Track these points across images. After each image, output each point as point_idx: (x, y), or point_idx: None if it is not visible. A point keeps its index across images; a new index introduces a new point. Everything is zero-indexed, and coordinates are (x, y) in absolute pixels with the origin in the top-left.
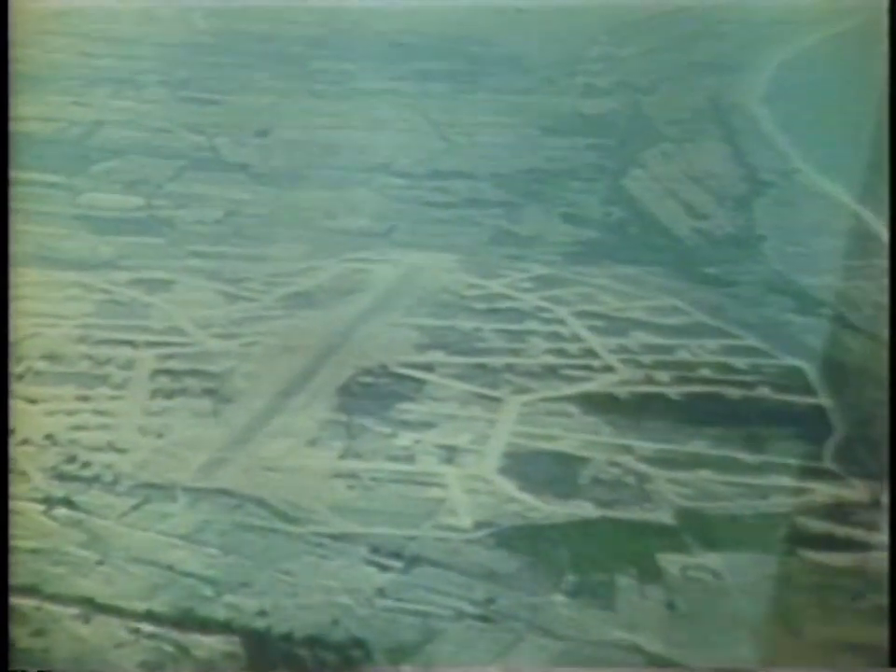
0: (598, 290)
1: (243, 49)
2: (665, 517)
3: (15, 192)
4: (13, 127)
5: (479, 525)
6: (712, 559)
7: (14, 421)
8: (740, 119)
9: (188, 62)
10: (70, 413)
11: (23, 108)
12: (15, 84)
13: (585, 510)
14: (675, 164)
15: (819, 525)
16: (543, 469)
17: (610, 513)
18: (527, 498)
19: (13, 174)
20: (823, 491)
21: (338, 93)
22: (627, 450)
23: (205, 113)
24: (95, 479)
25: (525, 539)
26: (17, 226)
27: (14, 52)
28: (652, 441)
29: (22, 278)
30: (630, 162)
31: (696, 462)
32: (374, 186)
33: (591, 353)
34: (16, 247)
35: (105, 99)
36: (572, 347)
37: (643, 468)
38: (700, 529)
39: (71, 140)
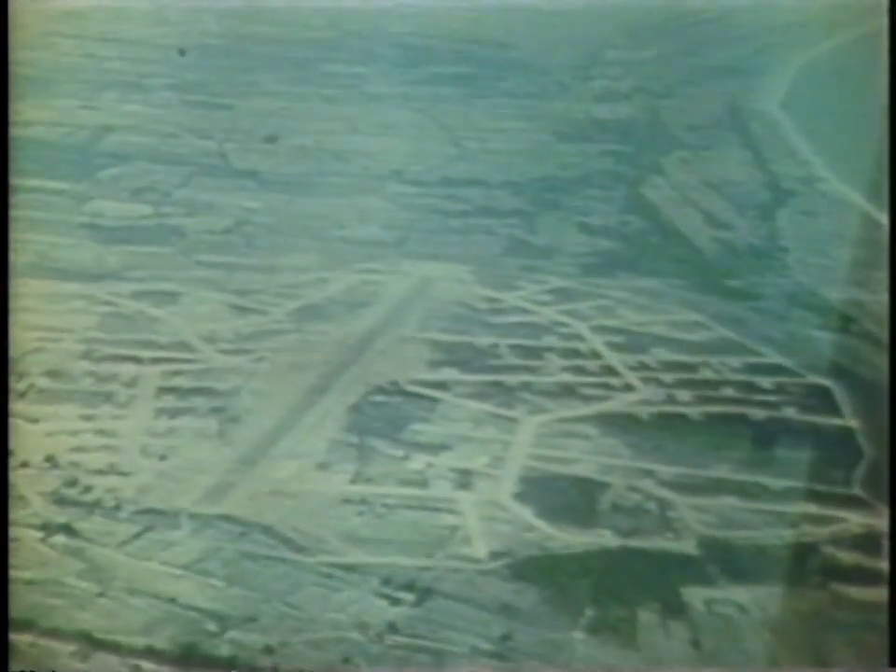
0: (617, 304)
1: (252, 51)
2: (689, 547)
3: (20, 200)
4: (20, 132)
5: (494, 556)
6: (738, 593)
7: (14, 442)
8: (760, 125)
9: (197, 64)
10: (72, 434)
11: (30, 113)
12: (22, 88)
13: (605, 538)
14: (694, 172)
15: (849, 557)
16: (561, 495)
17: (631, 543)
18: (544, 526)
19: (18, 181)
20: (853, 520)
21: (348, 98)
22: (648, 474)
23: (214, 118)
24: (96, 504)
25: (542, 571)
26: (21, 235)
27: (21, 55)
28: (674, 464)
29: (25, 289)
30: (648, 170)
31: (720, 487)
32: (385, 194)
33: (610, 370)
34: (19, 258)
35: (112, 103)
36: (591, 364)
37: (664, 493)
38: (725, 560)
39: (77, 145)
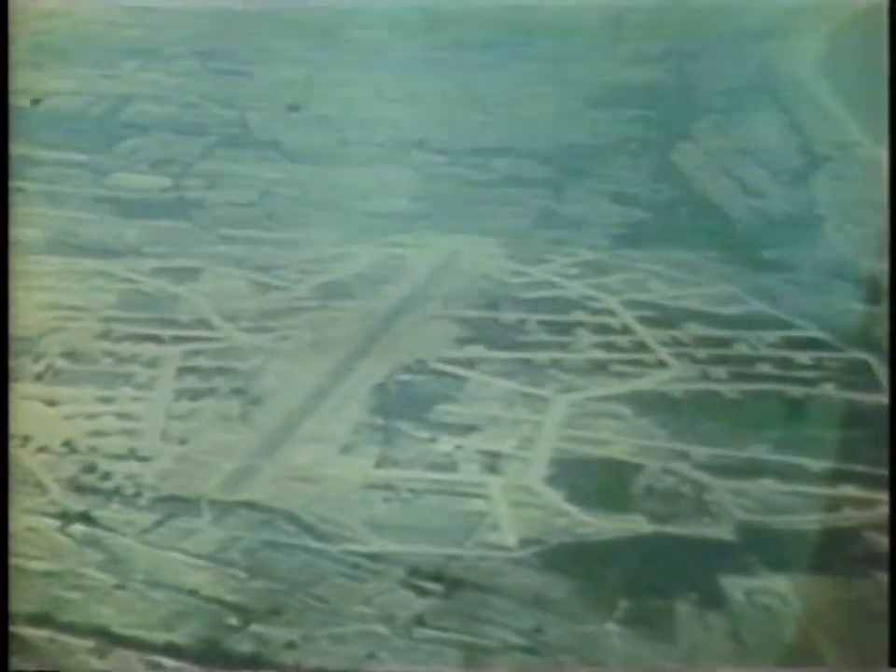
0: (649, 277)
1: (274, 17)
2: (726, 533)
3: (41, 173)
4: (41, 105)
5: (524, 543)
6: (779, 582)
7: (31, 426)
8: (793, 88)
9: (218, 31)
10: (90, 417)
11: (50, 83)
12: (42, 57)
13: (639, 524)
14: (726, 137)
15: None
16: (593, 479)
17: (666, 529)
18: (576, 512)
19: (41, 153)
20: None
21: (372, 64)
22: (683, 456)
23: (236, 85)
24: (115, 491)
25: (573, 559)
26: (41, 209)
27: (41, 24)
28: (709, 445)
29: (44, 266)
30: (679, 136)
31: (757, 469)
32: (411, 163)
33: (642, 346)
34: (39, 233)
35: (133, 72)
36: (622, 340)
37: (700, 476)
38: (764, 547)
39: (98, 116)
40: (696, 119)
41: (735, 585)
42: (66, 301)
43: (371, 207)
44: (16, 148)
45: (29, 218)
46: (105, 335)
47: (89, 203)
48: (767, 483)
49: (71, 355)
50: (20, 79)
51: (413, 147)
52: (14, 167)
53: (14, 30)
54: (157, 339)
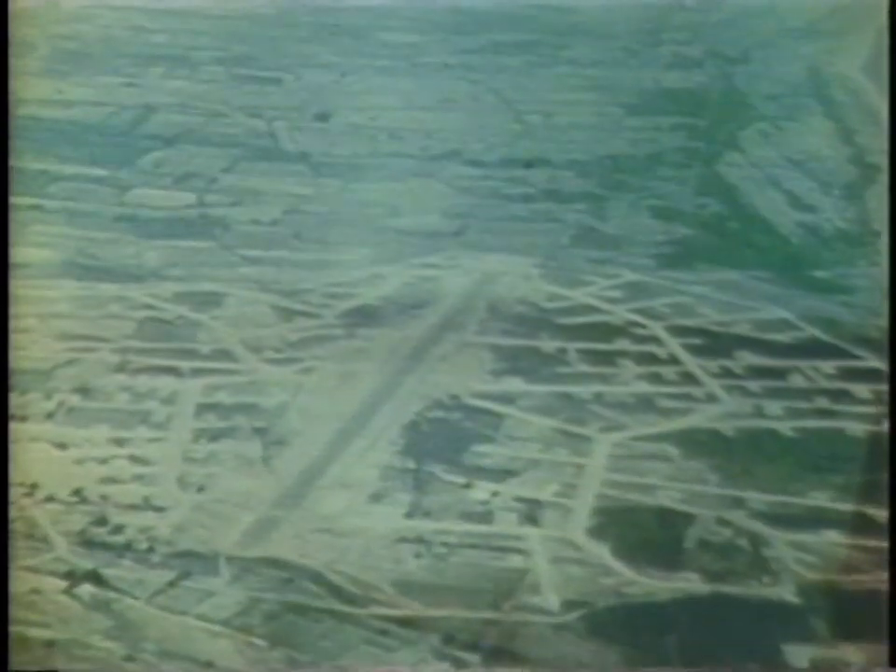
0: (696, 300)
1: (303, 20)
2: (788, 594)
3: (58, 189)
4: (60, 114)
5: (568, 606)
6: (850, 652)
7: (39, 472)
8: (842, 92)
9: (246, 35)
10: (102, 461)
11: (71, 92)
12: (64, 64)
13: (692, 584)
14: (774, 146)
15: None
16: (640, 530)
17: (723, 589)
18: (623, 569)
19: (57, 167)
20: None
21: (403, 70)
22: (738, 503)
23: (263, 93)
24: (127, 546)
25: (622, 625)
26: (59, 229)
27: (63, 28)
28: (766, 491)
29: (59, 292)
30: (724, 145)
31: (819, 519)
32: (444, 176)
33: (690, 378)
34: (55, 255)
35: (157, 80)
36: (669, 371)
37: (758, 527)
38: (831, 610)
39: (120, 127)
40: (742, 127)
41: (799, 654)
42: (81, 329)
43: (402, 224)
44: (34, 163)
45: (45, 239)
46: (121, 368)
47: (108, 221)
48: (831, 536)
49: (84, 390)
50: (39, 88)
51: (445, 159)
52: (31, 183)
53: (32, 34)
54: (176, 371)
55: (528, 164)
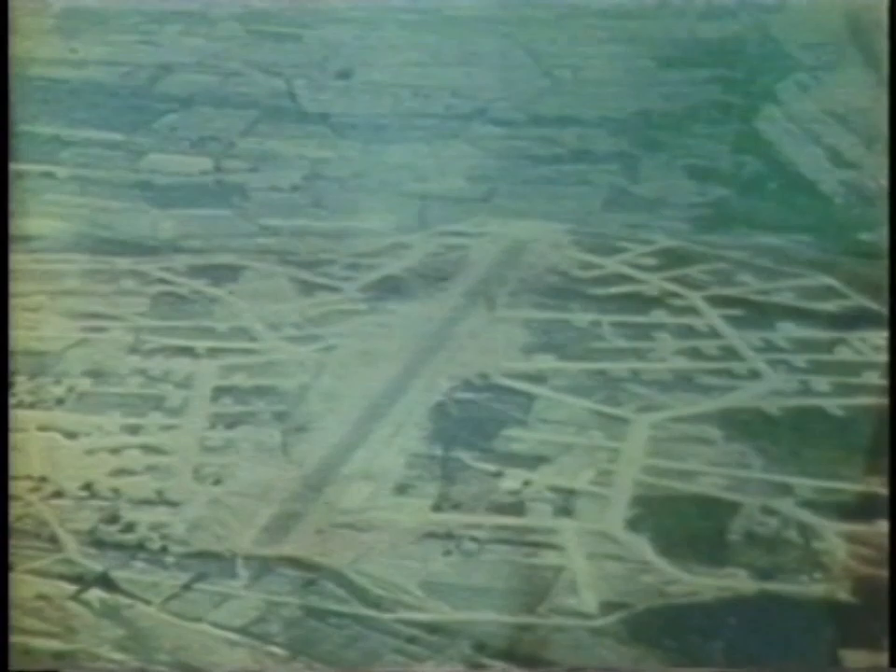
0: (735, 267)
1: None
2: (843, 592)
3: (70, 156)
4: (73, 74)
5: (606, 608)
6: None
7: (49, 464)
8: (883, 38)
9: None
10: (114, 451)
11: (86, 50)
12: (77, 22)
13: (739, 581)
14: (813, 99)
15: None
16: (682, 521)
17: (771, 587)
18: (665, 565)
19: (70, 132)
20: None
21: (427, 23)
22: (785, 490)
23: (282, 51)
24: (140, 546)
25: (665, 628)
26: (70, 198)
27: None
28: (815, 476)
29: (71, 266)
30: (761, 98)
31: (874, 508)
32: (470, 136)
33: (732, 352)
34: (66, 226)
35: (174, 37)
36: (708, 345)
37: (808, 517)
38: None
39: (135, 88)
40: (780, 78)
41: (857, 660)
42: (93, 307)
43: (426, 189)
44: (45, 128)
45: (57, 209)
46: (134, 349)
47: (122, 189)
48: (886, 526)
49: (96, 373)
50: (50, 48)
51: (471, 118)
52: (43, 149)
53: None
54: (191, 352)
55: (559, 122)
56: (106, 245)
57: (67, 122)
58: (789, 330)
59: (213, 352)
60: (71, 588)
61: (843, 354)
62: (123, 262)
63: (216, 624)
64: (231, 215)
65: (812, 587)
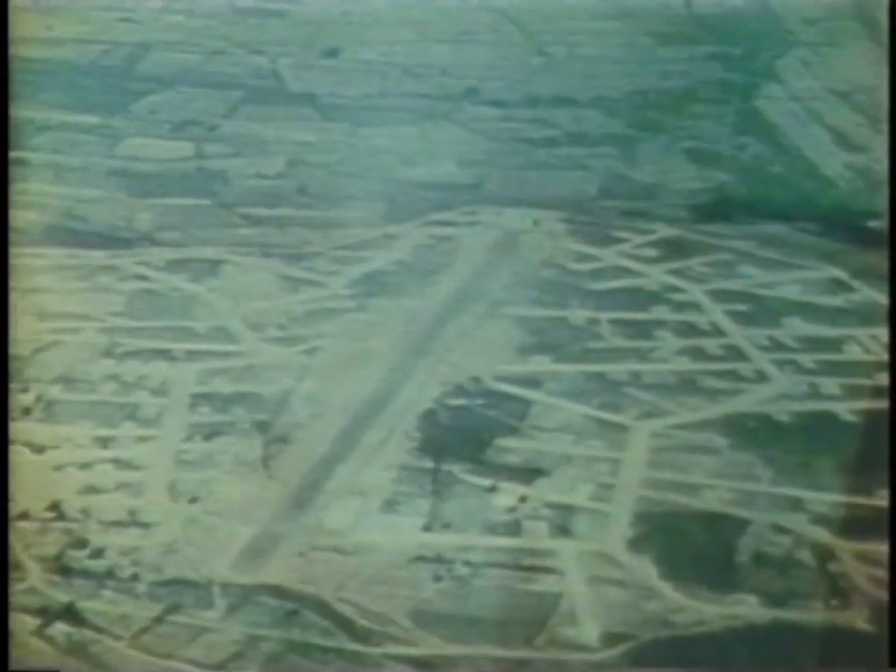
0: (738, 258)
1: None
2: (861, 620)
3: (44, 141)
4: (49, 54)
5: (608, 640)
6: None
7: (12, 482)
8: (886, 12)
9: None
10: (84, 467)
11: (62, 28)
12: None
13: (750, 608)
14: (815, 76)
15: None
16: (687, 541)
17: (785, 615)
18: (669, 591)
19: (44, 115)
20: None
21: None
22: (796, 505)
23: (266, 28)
24: (109, 574)
25: (671, 661)
26: (43, 187)
27: None
28: (828, 490)
29: (43, 261)
30: (762, 76)
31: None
32: (461, 118)
33: (736, 352)
34: (39, 218)
35: (155, 13)
36: (711, 345)
37: (821, 535)
38: None
39: (113, 68)
40: (781, 55)
41: None
42: (66, 306)
43: (415, 176)
44: (19, 111)
45: (29, 198)
46: (108, 352)
47: (98, 177)
48: None
49: (67, 380)
50: (24, 26)
51: (462, 99)
52: (16, 134)
53: None
54: (169, 355)
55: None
56: (80, 238)
57: (41, 105)
58: (795, 327)
59: (191, 355)
60: (34, 622)
61: (852, 352)
62: (98, 256)
63: (191, 662)
64: (211, 204)
65: (829, 615)
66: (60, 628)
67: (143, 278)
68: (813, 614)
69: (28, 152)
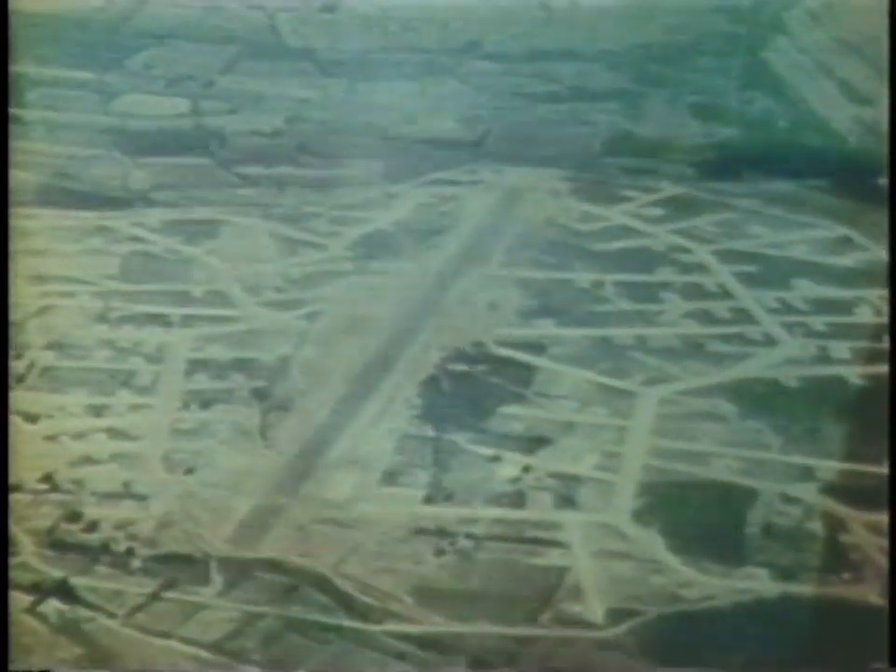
0: (746, 217)
1: None
2: (874, 595)
3: (36, 97)
4: (40, 7)
5: (614, 616)
6: None
7: (12, 454)
8: None
9: None
10: (77, 437)
11: None
12: None
13: (759, 582)
14: (823, 27)
15: None
16: (694, 512)
17: (795, 589)
18: (677, 564)
19: (36, 69)
20: None
21: None
22: (806, 474)
23: None
24: (104, 548)
25: (679, 638)
26: (36, 145)
27: None
28: (838, 457)
29: (36, 222)
30: (769, 28)
31: None
32: (462, 73)
33: (745, 315)
34: (32, 177)
35: None
36: (720, 308)
37: (831, 505)
38: None
39: (107, 22)
40: (788, 5)
41: None
42: (59, 269)
43: (416, 132)
44: (11, 66)
45: (23, 157)
46: (102, 317)
47: (92, 134)
48: None
49: (60, 346)
50: None
51: (463, 53)
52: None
53: None
54: (164, 320)
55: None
56: (73, 198)
57: (34, 59)
58: (805, 289)
59: (187, 320)
60: (27, 599)
61: (863, 314)
62: (91, 217)
63: (186, 640)
64: (208, 163)
65: (840, 589)
66: (52, 605)
67: (138, 240)
68: (824, 587)
69: (20, 109)
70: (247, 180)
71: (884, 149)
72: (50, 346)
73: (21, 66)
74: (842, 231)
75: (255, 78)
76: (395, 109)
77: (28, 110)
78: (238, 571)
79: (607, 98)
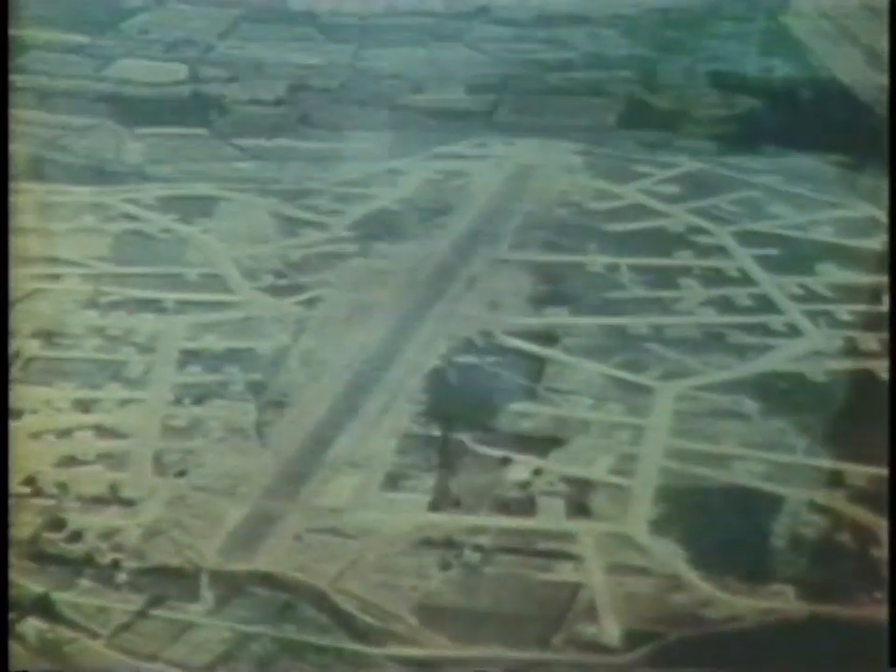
0: (767, 195)
1: None
2: None
3: (27, 61)
4: None
5: (631, 638)
6: None
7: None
8: None
9: None
10: (63, 434)
11: None
12: None
13: (786, 601)
14: None
15: None
16: (715, 521)
17: (824, 610)
18: (698, 581)
19: (28, 32)
20: None
21: None
22: (835, 479)
23: None
24: (88, 560)
25: (701, 663)
26: (26, 113)
27: None
28: (869, 461)
29: (25, 197)
30: None
31: None
32: (471, 39)
33: (767, 303)
34: (23, 149)
35: None
36: (741, 294)
37: (862, 514)
38: None
39: None
40: None
41: None
42: (47, 249)
43: (422, 102)
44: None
45: (13, 126)
46: (92, 302)
47: (86, 102)
48: None
49: (47, 334)
50: None
51: (472, 17)
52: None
53: None
54: (157, 306)
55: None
56: (65, 172)
57: (25, 21)
58: (830, 274)
59: (181, 306)
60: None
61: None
62: (83, 193)
63: (175, 664)
64: (206, 134)
65: (873, 610)
66: (31, 625)
67: (131, 217)
68: (855, 609)
69: (11, 74)
70: (246, 153)
71: None
72: (36, 334)
73: (13, 28)
74: (867, 210)
75: (256, 44)
76: (400, 77)
77: (20, 75)
78: (230, 586)
79: (620, 66)
